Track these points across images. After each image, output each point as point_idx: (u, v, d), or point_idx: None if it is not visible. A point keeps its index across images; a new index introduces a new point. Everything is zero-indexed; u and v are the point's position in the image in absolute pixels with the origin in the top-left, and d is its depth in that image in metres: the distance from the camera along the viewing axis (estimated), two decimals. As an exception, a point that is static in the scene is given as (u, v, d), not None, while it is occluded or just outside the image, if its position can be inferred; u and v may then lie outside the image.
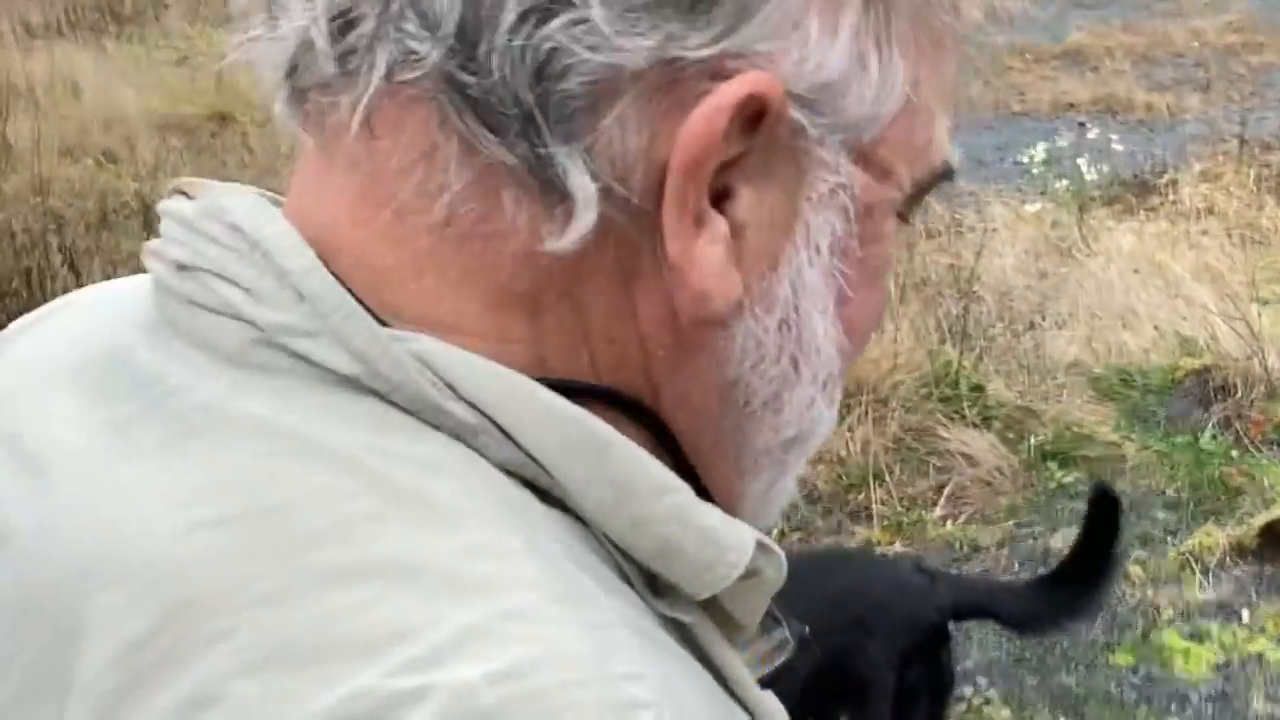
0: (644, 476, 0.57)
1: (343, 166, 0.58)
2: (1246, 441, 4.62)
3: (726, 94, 0.54)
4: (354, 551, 0.52)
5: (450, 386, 0.55)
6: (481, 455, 0.55)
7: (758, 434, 0.62)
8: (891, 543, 4.18)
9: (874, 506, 4.31)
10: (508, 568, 0.52)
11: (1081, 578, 3.05)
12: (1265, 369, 4.81)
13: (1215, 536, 4.10)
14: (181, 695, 0.51)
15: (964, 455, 4.47)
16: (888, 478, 4.39)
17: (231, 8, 0.60)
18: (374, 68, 0.55)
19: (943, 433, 4.55)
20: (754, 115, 0.55)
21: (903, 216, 0.63)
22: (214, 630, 0.51)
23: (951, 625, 2.99)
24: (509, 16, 0.53)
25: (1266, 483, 4.36)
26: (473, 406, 0.55)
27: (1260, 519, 4.12)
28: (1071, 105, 8.51)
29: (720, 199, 0.56)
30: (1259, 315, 5.05)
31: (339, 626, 0.50)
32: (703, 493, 0.59)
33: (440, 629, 0.49)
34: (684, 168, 0.54)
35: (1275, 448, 4.60)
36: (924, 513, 4.31)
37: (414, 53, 0.54)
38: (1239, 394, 4.77)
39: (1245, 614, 3.86)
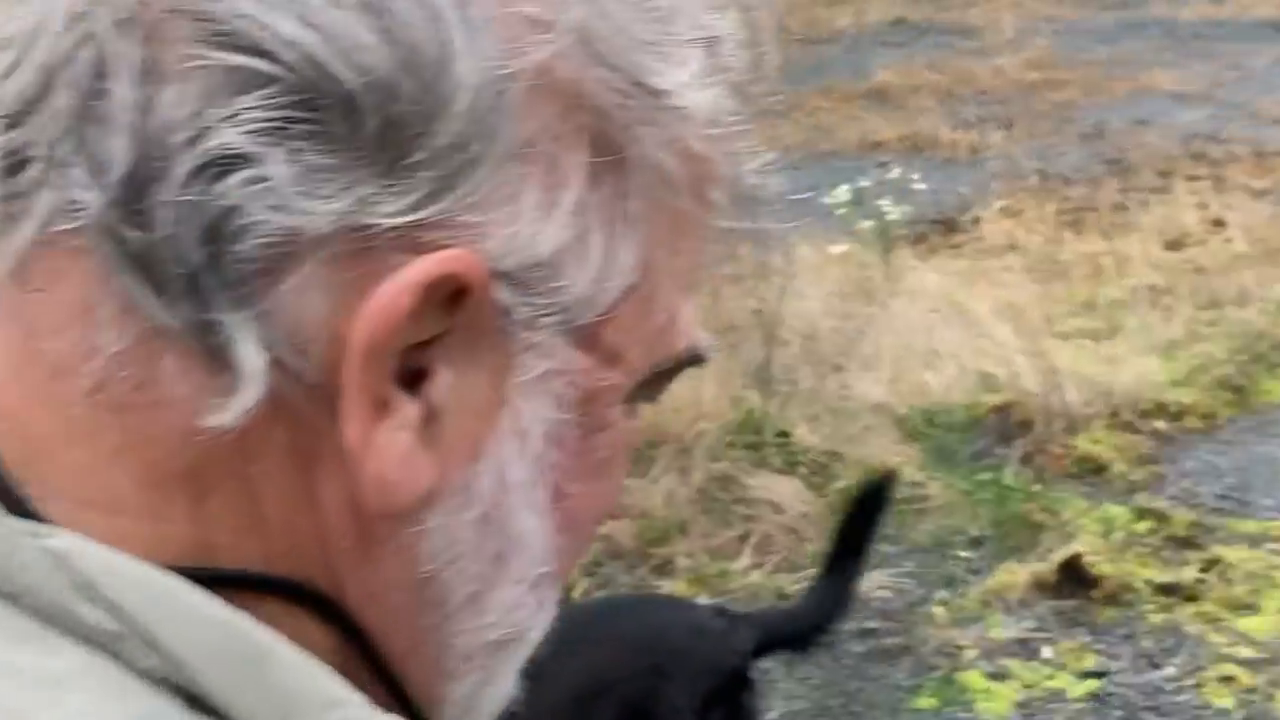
0: (306, 687, 0.52)
1: (2, 319, 0.53)
2: (1048, 476, 4.67)
3: (417, 271, 0.49)
4: None
5: (89, 589, 0.49)
6: (124, 664, 0.50)
7: (458, 636, 0.57)
8: (697, 595, 4.13)
9: (678, 559, 4.26)
10: None
11: (846, 568, 3.12)
12: (1064, 403, 4.88)
13: (1017, 574, 4.14)
14: None
15: (769, 503, 4.45)
16: (692, 529, 4.34)
17: None
18: (31, 214, 0.50)
19: (748, 480, 4.52)
20: (455, 293, 0.50)
21: (648, 397, 0.59)
22: None
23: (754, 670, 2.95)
24: (182, 169, 0.48)
25: (1066, 517, 4.41)
26: (112, 611, 0.49)
27: (1059, 554, 4.17)
28: (878, 144, 8.63)
29: (417, 379, 0.51)
30: (1058, 350, 5.13)
31: None
32: (401, 696, 0.56)
33: None
34: (363, 347, 0.49)
35: (1075, 481, 4.67)
36: (730, 563, 4.27)
37: (75, 201, 0.49)
38: (1039, 429, 4.84)
39: (1046, 650, 3.88)
